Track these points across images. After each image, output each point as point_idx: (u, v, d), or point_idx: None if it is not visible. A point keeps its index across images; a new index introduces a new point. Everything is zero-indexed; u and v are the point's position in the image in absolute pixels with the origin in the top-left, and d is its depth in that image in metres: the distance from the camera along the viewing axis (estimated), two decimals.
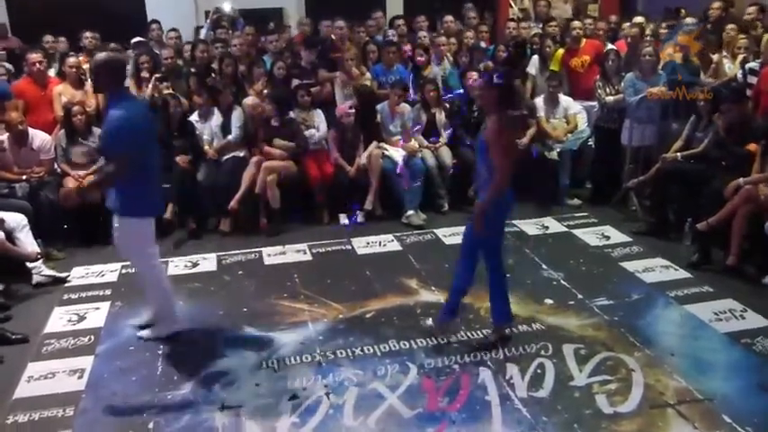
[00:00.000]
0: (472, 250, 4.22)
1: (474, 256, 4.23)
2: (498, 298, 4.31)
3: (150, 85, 6.70)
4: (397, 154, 6.62)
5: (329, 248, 5.96)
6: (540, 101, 7.08)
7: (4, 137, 5.90)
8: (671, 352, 4.16)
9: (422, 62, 7.34)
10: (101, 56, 4.13)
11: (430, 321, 4.55)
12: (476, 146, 4.34)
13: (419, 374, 3.97)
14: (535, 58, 7.62)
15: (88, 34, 7.86)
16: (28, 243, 5.23)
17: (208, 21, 9.04)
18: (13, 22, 10.03)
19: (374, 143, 6.64)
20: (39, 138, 6.04)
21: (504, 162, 3.90)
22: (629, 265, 5.43)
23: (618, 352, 4.15)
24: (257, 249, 5.94)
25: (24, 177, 5.85)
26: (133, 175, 4.00)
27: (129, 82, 6.85)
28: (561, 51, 7.45)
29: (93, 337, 4.52)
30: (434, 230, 6.24)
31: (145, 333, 4.47)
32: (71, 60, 6.75)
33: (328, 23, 8.06)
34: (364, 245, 6.00)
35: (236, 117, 6.59)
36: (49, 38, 7.86)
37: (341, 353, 4.22)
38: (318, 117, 6.80)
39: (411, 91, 7.13)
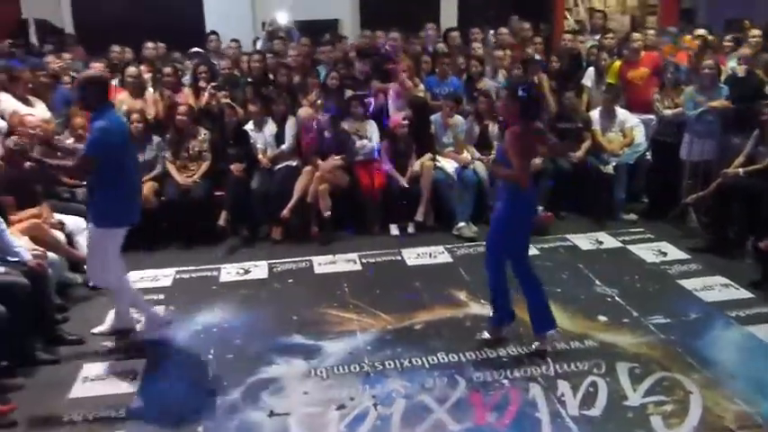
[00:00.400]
0: (497, 257, 4.32)
1: (501, 265, 4.32)
2: (535, 306, 4.30)
3: (206, 94, 6.82)
4: (450, 165, 6.60)
5: (379, 258, 5.95)
6: (596, 114, 6.97)
7: (69, 143, 6.06)
8: (731, 374, 4.01)
9: (475, 74, 7.32)
10: (84, 74, 4.38)
11: (486, 335, 4.49)
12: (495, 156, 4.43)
13: (468, 388, 3.92)
14: (591, 70, 7.51)
15: (149, 45, 8.08)
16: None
17: (264, 32, 9.20)
18: (78, 34, 10.38)
19: (428, 154, 6.62)
20: None
21: (522, 161, 4.03)
22: (687, 283, 5.27)
23: (674, 372, 4.03)
24: (308, 258, 5.98)
25: (85, 182, 5.99)
26: (104, 187, 4.14)
27: (187, 91, 7.02)
28: (618, 63, 7.32)
29: (146, 340, 4.60)
30: (485, 243, 6.16)
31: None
32: (131, 70, 6.93)
33: (381, 34, 8.09)
34: (415, 256, 5.98)
35: (290, 127, 6.65)
36: (116, 48, 8.10)
37: (389, 364, 4.20)
38: (371, 127, 6.82)
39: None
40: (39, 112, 6.16)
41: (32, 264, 4.36)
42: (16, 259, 4.36)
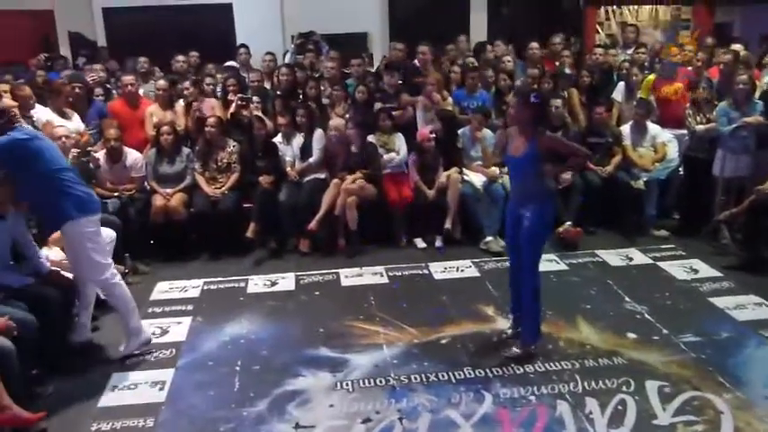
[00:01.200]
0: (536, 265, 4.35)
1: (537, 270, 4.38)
2: (533, 316, 4.39)
3: (233, 106, 6.89)
4: (477, 179, 6.58)
5: (406, 272, 5.94)
6: (626, 128, 6.90)
7: (101, 154, 6.18)
8: (764, 394, 3.92)
9: (504, 87, 7.29)
10: None
11: (515, 349, 4.45)
12: (515, 163, 4.40)
13: (494, 404, 3.88)
14: (621, 84, 7.45)
15: (180, 58, 8.20)
16: None
17: (292, 45, 9.27)
18: (110, 46, 10.58)
19: (454, 168, 6.61)
20: (132, 156, 6.31)
21: (572, 146, 4.43)
22: (719, 302, 5.17)
23: (705, 392, 3.95)
24: (335, 270, 5.99)
25: (116, 194, 6.10)
26: (37, 195, 4.20)
27: (214, 102, 7.08)
28: (651, 78, 7.25)
29: (174, 351, 4.64)
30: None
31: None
32: (160, 83, 7.04)
33: (400, 47, 8.08)
34: (442, 270, 5.96)
35: (317, 139, 6.69)
36: (141, 59, 8.21)
37: (415, 378, 4.18)
38: (399, 140, 6.83)
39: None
40: (74, 124, 6.28)
41: (50, 276, 4.43)
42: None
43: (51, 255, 4.74)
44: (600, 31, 10.68)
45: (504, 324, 4.82)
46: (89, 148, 6.01)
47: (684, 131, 6.85)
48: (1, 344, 3.68)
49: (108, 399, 4.07)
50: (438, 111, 6.90)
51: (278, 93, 7.29)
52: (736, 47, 7.60)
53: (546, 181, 4.47)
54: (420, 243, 6.54)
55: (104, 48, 10.49)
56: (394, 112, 6.91)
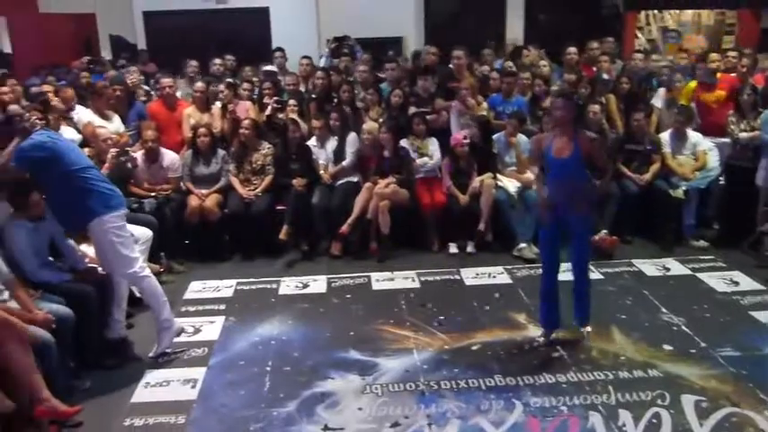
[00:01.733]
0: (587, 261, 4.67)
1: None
2: (588, 301, 4.62)
3: (269, 108, 6.95)
4: (512, 185, 6.52)
5: (438, 277, 5.90)
6: (666, 135, 6.76)
7: (139, 154, 6.27)
8: None
9: (539, 93, 7.21)
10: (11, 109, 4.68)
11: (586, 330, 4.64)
12: (563, 164, 4.37)
13: (525, 413, 3.83)
14: (661, 91, 7.31)
15: (217, 61, 8.29)
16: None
17: (327, 49, 9.32)
18: (150, 49, 10.77)
19: (488, 174, 6.55)
20: (168, 157, 6.38)
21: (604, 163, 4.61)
22: (761, 316, 5.01)
23: (745, 409, 3.83)
24: (366, 274, 5.98)
25: (153, 194, 6.18)
26: (62, 193, 4.26)
27: (248, 105, 7.14)
28: (693, 84, 7.10)
29: (206, 350, 4.69)
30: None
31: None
32: (198, 85, 7.12)
33: (434, 51, 8.05)
34: (473, 275, 5.90)
35: (351, 143, 6.70)
36: (193, 63, 8.27)
37: (445, 384, 4.15)
38: (433, 145, 6.81)
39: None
40: (114, 125, 6.40)
41: (85, 272, 4.52)
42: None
43: (90, 252, 4.81)
44: (640, 36, 10.51)
45: (535, 332, 4.76)
46: (127, 149, 6.10)
47: (726, 140, 6.69)
48: (41, 337, 3.77)
49: (141, 395, 4.13)
50: (473, 116, 6.85)
51: (312, 96, 7.32)
52: None
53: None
54: (452, 248, 6.49)
55: (144, 50, 10.68)
56: (428, 117, 6.89)
